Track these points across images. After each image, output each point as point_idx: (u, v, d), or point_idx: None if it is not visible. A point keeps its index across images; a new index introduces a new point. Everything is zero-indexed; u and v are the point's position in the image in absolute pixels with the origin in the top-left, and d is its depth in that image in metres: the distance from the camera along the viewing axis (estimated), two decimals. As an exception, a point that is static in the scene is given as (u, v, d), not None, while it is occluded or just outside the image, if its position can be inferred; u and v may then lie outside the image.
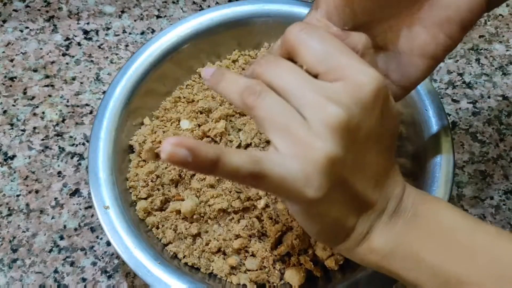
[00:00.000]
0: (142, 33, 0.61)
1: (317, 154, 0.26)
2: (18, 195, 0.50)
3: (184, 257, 0.42)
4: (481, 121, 0.55)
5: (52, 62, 0.58)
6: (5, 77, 0.57)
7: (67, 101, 0.56)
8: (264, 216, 0.42)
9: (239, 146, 0.45)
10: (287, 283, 0.41)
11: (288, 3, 0.49)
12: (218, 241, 0.42)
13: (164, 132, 0.46)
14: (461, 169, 0.52)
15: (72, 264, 0.47)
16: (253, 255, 0.41)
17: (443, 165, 0.42)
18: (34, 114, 0.55)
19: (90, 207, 0.50)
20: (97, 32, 0.60)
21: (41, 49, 0.59)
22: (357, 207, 0.29)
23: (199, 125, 0.46)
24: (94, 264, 0.47)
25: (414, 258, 0.29)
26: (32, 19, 0.61)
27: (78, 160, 0.52)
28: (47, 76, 0.57)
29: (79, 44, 0.60)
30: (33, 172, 0.51)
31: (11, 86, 0.57)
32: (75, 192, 0.50)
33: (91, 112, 0.55)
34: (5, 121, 0.54)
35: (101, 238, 0.48)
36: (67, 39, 0.60)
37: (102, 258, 0.47)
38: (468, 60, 0.59)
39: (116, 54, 0.59)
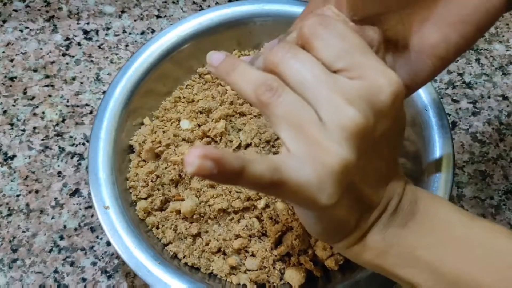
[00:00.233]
0: (142, 33, 0.61)
1: (332, 160, 0.24)
2: (18, 195, 0.50)
3: (184, 257, 0.42)
4: (481, 121, 0.55)
5: (52, 62, 0.58)
6: (5, 77, 0.57)
7: (67, 101, 0.56)
8: (264, 216, 0.42)
9: (239, 146, 0.45)
10: (287, 283, 0.41)
11: (288, 3, 0.49)
12: (218, 241, 0.42)
13: (164, 132, 0.46)
14: (461, 169, 0.52)
15: (72, 264, 0.47)
16: (253, 255, 0.41)
17: (443, 165, 0.42)
18: (34, 114, 0.55)
19: (90, 207, 0.50)
20: (97, 32, 0.60)
21: (41, 49, 0.59)
22: (361, 208, 0.29)
23: (199, 125, 0.46)
24: (94, 264, 0.47)
25: (409, 255, 0.29)
26: (32, 19, 0.61)
27: (78, 160, 0.52)
28: (47, 76, 0.57)
29: (79, 44, 0.60)
30: (33, 172, 0.51)
31: (11, 86, 0.57)
32: (75, 192, 0.50)
33: (91, 112, 0.55)
34: (5, 121, 0.54)
35: (101, 238, 0.48)
36: (67, 39, 0.60)
37: (102, 258, 0.47)
38: (468, 60, 0.59)
39: (116, 54, 0.59)
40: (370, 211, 0.29)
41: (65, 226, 0.49)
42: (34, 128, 0.54)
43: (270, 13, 0.49)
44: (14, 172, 0.51)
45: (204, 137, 0.45)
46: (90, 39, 0.60)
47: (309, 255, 0.41)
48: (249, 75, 0.26)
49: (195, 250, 0.42)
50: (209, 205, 0.42)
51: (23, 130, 0.54)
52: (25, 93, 0.56)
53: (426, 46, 0.32)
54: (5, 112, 0.55)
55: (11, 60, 0.58)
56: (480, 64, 0.59)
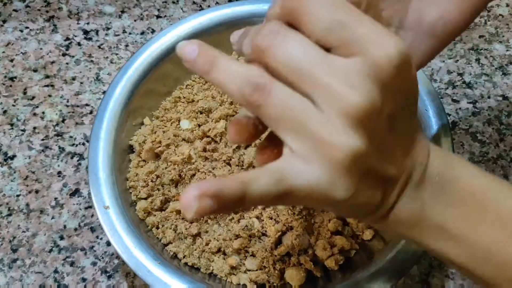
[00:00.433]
0: (142, 33, 0.61)
1: (340, 154, 0.22)
2: (18, 195, 0.50)
3: (184, 257, 0.42)
4: (481, 121, 0.55)
5: (52, 62, 0.58)
6: (5, 77, 0.57)
7: (67, 101, 0.56)
8: (264, 216, 0.42)
9: (238, 146, 0.45)
10: (287, 283, 0.41)
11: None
12: (218, 241, 0.42)
13: (164, 132, 0.46)
14: (461, 169, 0.52)
15: (72, 264, 0.47)
16: (253, 255, 0.41)
17: (443, 165, 0.42)
18: (34, 114, 0.55)
19: (90, 207, 0.50)
20: (97, 32, 0.60)
21: (41, 49, 0.59)
22: (383, 185, 0.27)
23: (199, 125, 0.46)
24: (94, 264, 0.47)
25: (441, 228, 0.27)
26: (32, 19, 0.61)
27: (78, 160, 0.52)
28: (47, 76, 0.57)
29: (79, 44, 0.60)
30: (33, 172, 0.51)
31: (11, 86, 0.57)
32: (75, 192, 0.50)
33: (91, 112, 0.55)
34: (5, 121, 0.54)
35: (101, 238, 0.48)
36: (67, 39, 0.60)
37: (102, 258, 0.47)
38: (468, 60, 0.59)
39: (116, 54, 0.59)
40: (393, 185, 0.27)
41: (65, 226, 0.49)
42: (34, 128, 0.54)
43: (270, 13, 0.49)
44: (14, 172, 0.51)
45: (204, 137, 0.45)
46: (90, 39, 0.60)
47: (309, 255, 0.41)
48: (232, 71, 0.23)
49: (195, 250, 0.42)
50: (209, 205, 0.42)
51: (23, 130, 0.54)
52: (25, 93, 0.56)
53: (425, 24, 0.31)
54: (5, 112, 0.55)
55: (11, 60, 0.58)
56: (480, 64, 0.59)
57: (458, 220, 0.27)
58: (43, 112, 0.55)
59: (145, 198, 0.43)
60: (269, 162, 0.24)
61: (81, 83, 0.57)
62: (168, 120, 0.47)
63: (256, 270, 0.41)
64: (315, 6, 0.22)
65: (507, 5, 0.63)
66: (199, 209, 0.21)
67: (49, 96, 0.56)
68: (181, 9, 0.63)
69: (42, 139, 0.53)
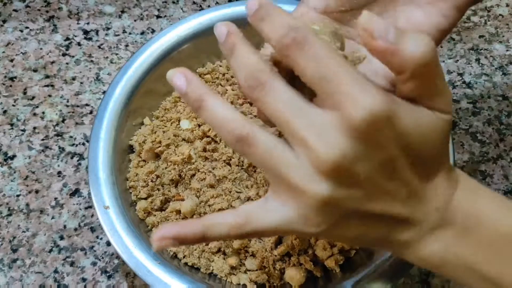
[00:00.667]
0: (142, 33, 0.61)
1: (309, 199, 0.25)
2: (18, 195, 0.50)
3: (184, 257, 0.42)
4: (481, 121, 0.55)
5: (52, 62, 0.58)
6: (5, 77, 0.57)
7: (67, 101, 0.56)
8: (264, 216, 0.42)
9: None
10: (287, 283, 0.41)
11: (288, 3, 0.49)
12: (218, 241, 0.42)
13: (164, 132, 0.46)
14: (461, 169, 0.52)
15: (72, 264, 0.47)
16: (253, 255, 0.41)
17: (443, 165, 0.42)
18: (34, 114, 0.55)
19: (90, 207, 0.50)
20: (97, 32, 0.60)
21: (41, 49, 0.59)
22: (386, 224, 0.28)
23: (199, 125, 0.46)
24: (94, 264, 0.47)
25: (468, 269, 0.28)
26: (32, 19, 0.61)
27: (78, 160, 0.52)
28: (47, 76, 0.57)
29: (79, 44, 0.60)
30: (33, 172, 0.51)
31: (11, 86, 0.57)
32: (75, 192, 0.50)
33: (91, 112, 0.55)
34: (5, 121, 0.54)
35: (101, 238, 0.48)
36: (67, 39, 0.60)
37: (102, 258, 0.47)
38: (468, 60, 0.59)
39: (116, 54, 0.59)
40: (399, 224, 0.28)
41: (65, 226, 0.49)
42: (34, 128, 0.54)
43: (270, 13, 0.49)
44: (14, 172, 0.51)
45: (204, 137, 0.45)
46: (90, 39, 0.60)
47: (309, 255, 0.41)
48: (218, 117, 0.26)
49: (195, 250, 0.42)
50: (209, 205, 0.42)
51: (23, 130, 0.54)
52: (25, 93, 0.56)
53: (412, 27, 0.32)
54: (5, 112, 0.55)
55: (11, 60, 0.58)
56: (480, 64, 0.59)
57: (485, 263, 0.28)
58: (43, 112, 0.55)
59: (145, 198, 0.43)
60: None
61: (81, 83, 0.57)
62: (168, 120, 0.47)
63: (256, 270, 0.41)
64: (305, 57, 0.24)
65: (507, 5, 0.63)
66: (159, 247, 0.26)
67: (49, 96, 0.56)
68: (181, 9, 0.63)
69: (42, 139, 0.53)
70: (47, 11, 0.62)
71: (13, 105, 0.55)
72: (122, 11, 0.62)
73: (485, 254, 0.28)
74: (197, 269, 0.42)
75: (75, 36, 0.60)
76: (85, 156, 0.52)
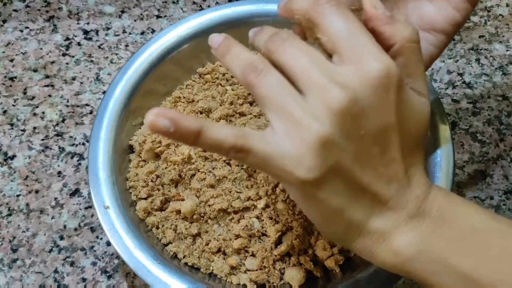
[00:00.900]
0: (142, 33, 0.61)
1: (310, 134, 0.25)
2: (18, 195, 0.50)
3: (184, 257, 0.42)
4: (481, 121, 0.55)
5: (52, 62, 0.58)
6: (5, 77, 0.57)
7: (67, 101, 0.56)
8: (264, 216, 0.42)
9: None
10: (287, 283, 0.41)
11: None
12: (218, 241, 0.42)
13: (164, 132, 0.46)
14: (461, 169, 0.52)
15: (72, 264, 0.47)
16: (253, 255, 0.41)
17: (443, 165, 0.42)
18: (34, 114, 0.55)
19: (90, 207, 0.50)
20: (97, 32, 0.61)
21: (41, 49, 0.59)
22: (367, 202, 0.28)
23: (199, 125, 0.46)
24: (94, 264, 0.47)
25: (441, 263, 0.28)
26: (32, 19, 0.61)
27: (78, 160, 0.52)
28: (47, 76, 0.57)
29: (79, 44, 0.60)
30: (33, 172, 0.51)
31: (11, 86, 0.57)
32: (75, 192, 0.50)
33: (91, 112, 0.55)
34: (5, 121, 0.54)
35: (101, 238, 0.48)
36: (67, 39, 0.60)
37: (102, 258, 0.47)
38: (468, 60, 0.59)
39: (116, 54, 0.59)
40: (377, 207, 0.28)
41: (65, 226, 0.49)
42: (34, 128, 0.54)
43: (270, 13, 0.49)
44: (14, 172, 0.51)
45: (204, 137, 0.45)
46: (90, 39, 0.60)
47: (309, 255, 0.41)
48: (240, 57, 0.28)
49: (195, 250, 0.42)
50: (209, 205, 0.42)
51: (23, 130, 0.54)
52: (25, 93, 0.56)
53: (424, 22, 0.33)
54: (5, 112, 0.55)
55: (11, 60, 0.58)
56: (480, 64, 0.59)
57: (461, 257, 0.27)
58: (43, 112, 0.55)
59: (145, 198, 0.43)
60: None
61: (81, 83, 0.57)
62: (168, 120, 0.47)
63: (256, 270, 0.41)
64: (333, 13, 0.27)
65: (507, 5, 0.63)
66: (155, 121, 0.25)
67: (49, 96, 0.56)
68: (181, 9, 0.63)
69: (42, 139, 0.53)
70: (47, 11, 0.62)
71: (13, 105, 0.55)
72: (122, 11, 0.62)
73: (459, 247, 0.28)
74: (197, 269, 0.42)
75: (75, 36, 0.60)
76: (85, 156, 0.52)
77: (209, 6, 0.63)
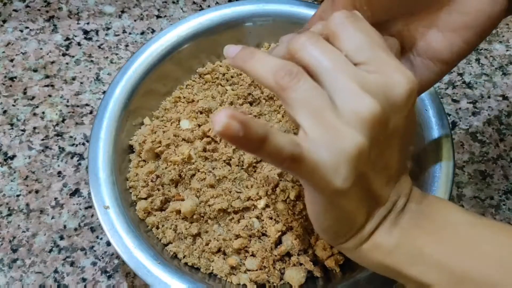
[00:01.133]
0: (142, 33, 0.61)
1: (347, 144, 0.25)
2: (18, 195, 0.50)
3: (184, 257, 0.42)
4: (481, 121, 0.55)
5: (52, 62, 0.58)
6: (5, 77, 0.57)
7: (67, 101, 0.56)
8: (264, 216, 0.42)
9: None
10: (287, 283, 0.41)
11: (288, 3, 0.49)
12: (218, 241, 0.42)
13: (164, 132, 0.46)
14: (461, 169, 0.52)
15: (72, 264, 0.47)
16: (253, 255, 0.41)
17: (443, 165, 0.42)
18: (34, 114, 0.55)
19: (90, 207, 0.50)
20: (97, 32, 0.60)
21: (41, 49, 0.59)
22: (370, 204, 0.29)
23: (199, 125, 0.46)
24: (94, 264, 0.47)
25: (419, 253, 0.29)
26: (32, 19, 0.61)
27: (78, 160, 0.52)
28: (47, 76, 0.57)
29: (79, 44, 0.60)
30: (33, 172, 0.51)
31: (11, 86, 0.57)
32: (75, 192, 0.50)
33: (91, 112, 0.55)
34: (5, 121, 0.54)
35: (101, 238, 0.48)
36: (67, 39, 0.60)
37: (102, 258, 0.47)
38: (468, 60, 0.59)
39: (116, 54, 0.59)
40: (377, 208, 0.30)
41: (65, 226, 0.49)
42: (34, 128, 0.54)
43: (270, 13, 0.49)
44: (14, 172, 0.51)
45: (204, 137, 0.45)
46: (90, 39, 0.60)
47: (309, 255, 0.41)
48: (268, 61, 0.27)
49: (195, 250, 0.42)
50: (209, 205, 0.42)
51: (23, 130, 0.54)
52: (25, 93, 0.56)
53: (431, 51, 0.33)
54: (5, 112, 0.55)
55: (11, 60, 0.58)
56: (480, 64, 0.59)
57: (435, 246, 0.29)
58: (43, 112, 0.55)
59: (145, 198, 0.43)
60: None
61: (81, 83, 0.57)
62: (168, 120, 0.47)
63: (256, 270, 0.41)
64: (353, 28, 0.27)
65: (507, 5, 0.63)
66: (227, 124, 0.23)
67: (49, 96, 0.56)
68: (181, 9, 0.63)
69: (42, 139, 0.53)
70: (47, 11, 0.62)
71: (13, 105, 0.55)
72: (122, 11, 0.62)
73: (433, 237, 0.29)
74: (197, 269, 0.42)
75: (75, 36, 0.60)
76: (85, 156, 0.52)
77: (209, 6, 0.63)
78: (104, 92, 0.55)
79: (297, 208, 0.41)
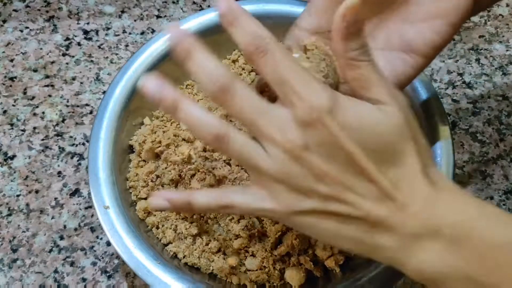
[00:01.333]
0: (142, 33, 0.61)
1: (269, 176, 0.29)
2: (18, 195, 0.50)
3: (184, 257, 0.42)
4: (481, 121, 0.55)
5: (52, 62, 0.58)
6: (5, 77, 0.57)
7: (67, 101, 0.56)
8: (264, 216, 0.42)
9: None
10: (287, 283, 0.41)
11: (288, 3, 0.49)
12: (218, 241, 0.42)
13: (164, 132, 0.46)
14: (461, 169, 0.52)
15: (72, 264, 0.47)
16: (253, 255, 0.41)
17: (443, 165, 0.42)
18: (34, 114, 0.55)
19: (90, 207, 0.50)
20: (97, 32, 0.60)
21: (41, 49, 0.59)
22: (363, 224, 0.28)
23: (199, 125, 0.46)
24: (94, 264, 0.47)
25: (468, 280, 0.27)
26: (32, 19, 0.61)
27: (78, 160, 0.52)
28: (47, 76, 0.57)
29: (79, 44, 0.60)
30: (33, 172, 0.51)
31: (11, 86, 0.57)
32: (75, 192, 0.50)
33: (91, 112, 0.55)
34: (5, 121, 0.54)
35: (101, 238, 0.48)
36: (67, 39, 0.60)
37: (102, 258, 0.47)
38: (468, 60, 0.59)
39: (116, 54, 0.59)
40: (381, 230, 0.28)
41: (65, 226, 0.49)
42: (34, 128, 0.54)
43: (270, 13, 0.49)
44: (14, 172, 0.51)
45: (204, 137, 0.45)
46: (90, 39, 0.60)
47: (309, 255, 0.41)
48: (195, 119, 0.28)
49: (195, 250, 0.42)
50: (209, 205, 0.42)
51: (23, 130, 0.54)
52: (25, 93, 0.56)
53: (404, 43, 0.33)
54: (5, 112, 0.55)
55: (11, 60, 0.58)
56: (480, 64, 0.59)
57: (486, 271, 0.27)
58: (43, 112, 0.55)
59: (145, 198, 0.43)
60: None
61: (81, 83, 0.57)
62: (168, 120, 0.47)
63: (256, 270, 0.41)
64: (265, 64, 0.28)
65: (507, 5, 0.63)
66: (156, 203, 0.31)
67: (49, 96, 0.56)
68: (181, 9, 0.63)
69: (42, 139, 0.53)
70: (47, 11, 0.62)
71: (13, 105, 0.55)
72: (122, 11, 0.62)
73: (481, 264, 0.27)
74: (197, 269, 0.42)
75: (75, 36, 0.60)
76: (85, 156, 0.52)
77: (209, 6, 0.63)
78: (104, 92, 0.55)
79: (297, 208, 0.41)
